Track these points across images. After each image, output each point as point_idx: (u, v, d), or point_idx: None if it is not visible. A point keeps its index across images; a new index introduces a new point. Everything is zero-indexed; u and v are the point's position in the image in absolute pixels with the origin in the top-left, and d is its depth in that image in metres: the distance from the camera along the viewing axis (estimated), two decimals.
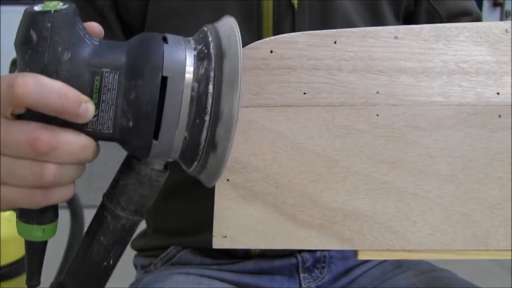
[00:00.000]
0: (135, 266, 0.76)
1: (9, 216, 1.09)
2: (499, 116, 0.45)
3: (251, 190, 0.45)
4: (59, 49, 0.36)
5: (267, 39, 0.44)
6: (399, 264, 0.68)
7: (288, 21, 0.61)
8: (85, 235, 0.43)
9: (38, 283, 0.43)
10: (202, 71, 0.38)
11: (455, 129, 0.45)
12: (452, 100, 0.45)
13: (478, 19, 0.72)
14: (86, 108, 0.36)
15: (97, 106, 0.37)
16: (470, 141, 0.45)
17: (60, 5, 0.37)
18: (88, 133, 0.38)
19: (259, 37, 0.60)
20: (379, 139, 0.45)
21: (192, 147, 0.39)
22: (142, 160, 0.41)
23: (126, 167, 0.41)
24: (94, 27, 0.40)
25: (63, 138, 0.36)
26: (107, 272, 0.43)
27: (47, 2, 0.38)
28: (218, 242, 0.46)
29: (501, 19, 3.86)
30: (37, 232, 0.40)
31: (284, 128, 0.44)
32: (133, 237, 0.43)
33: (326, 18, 0.62)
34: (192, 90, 0.38)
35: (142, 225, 0.64)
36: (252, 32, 0.61)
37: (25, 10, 0.37)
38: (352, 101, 0.44)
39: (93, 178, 1.63)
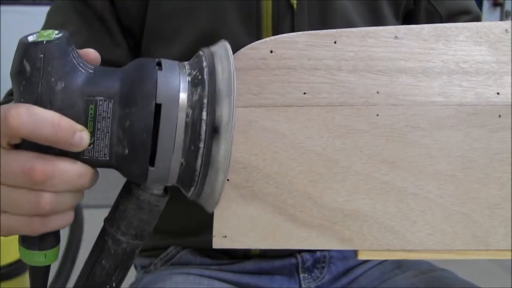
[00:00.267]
0: (135, 266, 0.76)
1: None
2: (499, 116, 0.45)
3: (251, 190, 0.45)
4: (52, 79, 0.37)
5: (267, 39, 0.44)
6: (399, 264, 0.68)
7: (287, 21, 0.61)
8: (88, 258, 0.43)
9: None
10: (196, 97, 0.38)
11: (455, 129, 0.45)
12: (452, 100, 0.45)
13: (478, 18, 0.72)
14: (81, 137, 0.37)
15: (92, 134, 0.38)
16: (470, 141, 0.45)
17: (55, 34, 0.37)
18: (84, 161, 0.38)
19: (259, 37, 0.60)
20: (379, 139, 0.45)
21: (189, 173, 0.39)
22: (141, 185, 0.41)
23: (126, 192, 0.42)
24: (90, 53, 0.41)
25: (58, 167, 0.37)
26: None
27: (42, 32, 0.38)
28: (218, 242, 0.46)
29: (501, 19, 3.86)
30: (39, 258, 0.41)
31: (284, 128, 0.44)
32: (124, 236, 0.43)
33: (325, 18, 0.62)
34: (187, 116, 0.38)
35: None
36: (251, 32, 0.61)
37: (19, 41, 0.37)
38: (352, 101, 0.44)
39: None
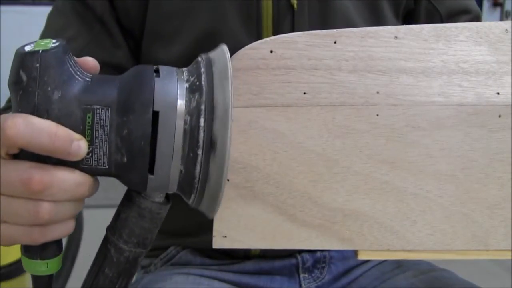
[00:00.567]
0: None
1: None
2: (499, 116, 0.45)
3: (251, 190, 0.45)
4: (49, 88, 0.37)
5: (267, 39, 0.44)
6: (399, 264, 0.68)
7: (287, 21, 0.61)
8: (91, 267, 0.43)
9: None
10: (194, 104, 0.38)
11: (455, 129, 0.45)
12: (452, 100, 0.45)
13: (478, 17, 0.72)
14: (78, 146, 0.37)
15: (90, 142, 0.38)
16: (470, 141, 0.45)
17: (51, 43, 0.37)
18: (84, 170, 0.38)
19: (259, 37, 0.60)
20: (379, 139, 0.45)
21: (188, 180, 0.39)
22: (141, 193, 0.41)
23: (127, 200, 0.42)
24: (89, 62, 0.41)
25: (56, 177, 0.37)
26: None
27: (39, 41, 0.38)
28: (218, 242, 0.46)
29: (501, 19, 3.86)
30: (41, 267, 0.41)
31: (284, 128, 0.44)
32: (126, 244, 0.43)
33: (325, 18, 0.62)
34: (185, 123, 0.38)
35: None
36: (251, 32, 0.61)
37: (16, 51, 0.37)
38: (352, 101, 0.44)
39: None
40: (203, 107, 0.38)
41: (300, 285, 0.68)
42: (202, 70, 0.39)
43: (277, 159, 0.44)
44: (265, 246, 0.46)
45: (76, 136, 0.37)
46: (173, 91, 0.38)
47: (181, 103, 0.38)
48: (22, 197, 0.37)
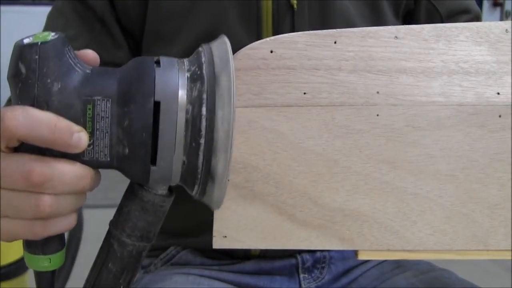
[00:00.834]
0: None
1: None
2: (499, 116, 0.45)
3: (251, 190, 0.45)
4: (48, 80, 0.36)
5: (267, 39, 0.44)
6: (399, 264, 0.68)
7: (287, 21, 0.61)
8: (94, 262, 0.43)
9: None
10: (195, 93, 0.38)
11: (455, 129, 0.45)
12: (452, 100, 0.45)
13: (478, 17, 0.72)
14: (79, 137, 0.36)
15: (91, 134, 0.37)
16: (470, 141, 0.45)
17: (50, 36, 0.37)
18: (85, 162, 0.38)
19: (259, 37, 0.60)
20: (379, 139, 0.45)
21: (191, 171, 0.38)
22: (144, 186, 0.40)
23: (130, 193, 0.41)
24: (89, 54, 0.40)
25: (57, 169, 0.37)
26: None
27: (38, 34, 0.38)
28: (218, 242, 0.46)
29: (501, 19, 3.86)
30: (43, 262, 0.40)
31: (284, 128, 0.44)
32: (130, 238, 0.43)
33: (325, 18, 0.62)
34: (187, 113, 0.37)
35: None
36: (251, 32, 0.61)
37: (15, 44, 0.37)
38: (352, 101, 0.44)
39: None
40: (204, 96, 0.37)
41: (300, 285, 0.68)
42: (203, 59, 0.39)
43: (277, 159, 0.44)
44: (265, 246, 0.46)
45: (77, 128, 0.37)
46: (174, 80, 0.38)
47: (182, 93, 0.37)
48: (23, 191, 0.37)
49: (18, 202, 0.37)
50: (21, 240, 0.41)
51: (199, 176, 0.39)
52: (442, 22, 0.68)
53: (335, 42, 0.44)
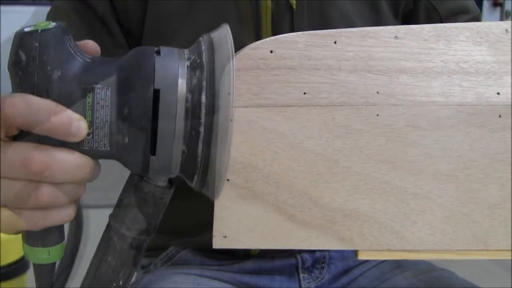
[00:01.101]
0: None
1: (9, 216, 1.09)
2: (499, 116, 0.45)
3: (251, 190, 0.45)
4: (48, 67, 0.36)
5: (267, 39, 0.44)
6: (399, 264, 0.68)
7: (286, 21, 0.61)
8: (94, 256, 0.42)
9: None
10: (195, 81, 0.37)
11: (455, 129, 0.45)
12: (452, 100, 0.45)
13: (477, 17, 0.72)
14: (78, 126, 0.36)
15: (91, 123, 0.37)
16: (470, 141, 0.45)
17: (51, 25, 0.37)
18: (85, 152, 0.37)
19: (258, 37, 0.60)
20: (379, 139, 0.45)
21: (191, 160, 0.38)
22: (144, 177, 0.40)
23: (129, 185, 0.41)
24: (89, 44, 0.40)
25: (56, 157, 0.36)
26: None
27: (38, 23, 0.37)
28: (218, 242, 0.46)
29: (501, 19, 3.86)
30: (42, 255, 0.40)
31: (284, 128, 0.44)
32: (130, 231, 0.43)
33: (325, 18, 0.62)
34: (186, 101, 0.37)
35: None
36: (251, 32, 0.61)
37: (15, 32, 0.37)
38: (352, 101, 0.44)
39: None
40: (204, 83, 0.37)
41: (300, 284, 0.68)
42: (203, 48, 0.39)
43: (277, 159, 0.44)
44: (265, 246, 0.46)
45: (76, 116, 0.36)
46: (173, 69, 0.37)
47: (182, 81, 0.37)
48: (22, 179, 0.36)
49: (17, 191, 0.37)
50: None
51: (198, 165, 0.38)
52: (441, 22, 0.68)
53: (335, 42, 0.44)
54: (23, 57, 0.36)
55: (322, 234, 0.46)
